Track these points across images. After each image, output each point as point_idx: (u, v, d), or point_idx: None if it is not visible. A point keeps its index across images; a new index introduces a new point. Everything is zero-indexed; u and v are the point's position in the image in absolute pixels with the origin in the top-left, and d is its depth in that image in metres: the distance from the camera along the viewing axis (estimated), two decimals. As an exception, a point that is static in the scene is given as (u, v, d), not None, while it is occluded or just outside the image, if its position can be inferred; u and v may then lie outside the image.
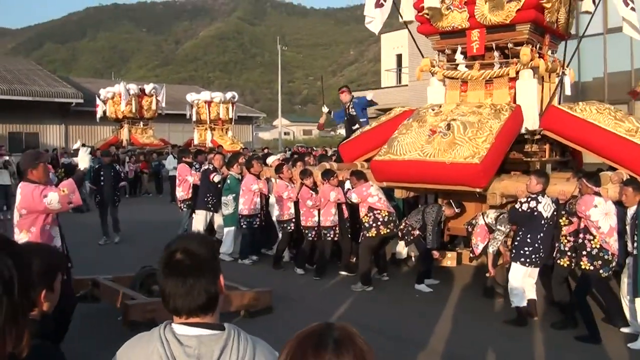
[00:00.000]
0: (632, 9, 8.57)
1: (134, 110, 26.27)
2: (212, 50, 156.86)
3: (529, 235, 6.75)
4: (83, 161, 5.63)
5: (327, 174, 8.96)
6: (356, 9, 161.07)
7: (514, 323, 6.75)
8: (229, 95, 27.54)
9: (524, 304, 6.86)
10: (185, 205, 11.27)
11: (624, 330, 6.45)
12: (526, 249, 6.75)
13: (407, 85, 27.03)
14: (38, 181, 5.10)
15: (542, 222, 6.73)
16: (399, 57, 32.06)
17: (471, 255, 8.26)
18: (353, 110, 11.36)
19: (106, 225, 11.77)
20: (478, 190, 7.39)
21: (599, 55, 19.39)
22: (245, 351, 1.72)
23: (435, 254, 8.41)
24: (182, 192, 11.26)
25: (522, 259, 6.78)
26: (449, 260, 9.08)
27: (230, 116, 27.22)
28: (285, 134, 69.85)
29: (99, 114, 26.83)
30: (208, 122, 26.56)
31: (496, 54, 8.43)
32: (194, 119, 26.90)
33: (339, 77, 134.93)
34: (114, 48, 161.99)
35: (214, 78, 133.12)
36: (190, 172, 11.24)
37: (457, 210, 8.55)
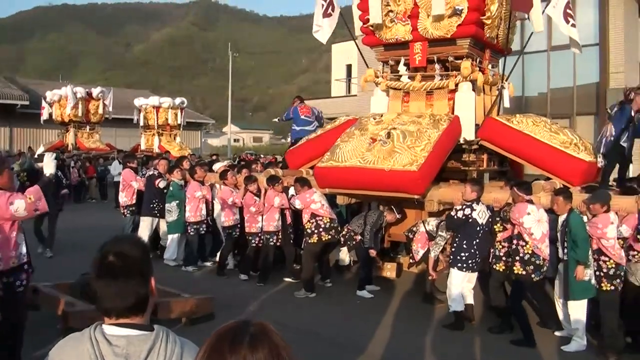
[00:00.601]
0: (573, 25, 8.93)
1: (80, 114, 25.71)
2: (163, 54, 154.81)
3: (465, 242, 6.99)
4: (48, 167, 5.46)
5: (272, 180, 9.03)
6: (309, 18, 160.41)
7: (452, 327, 6.94)
8: (177, 100, 27.27)
9: (462, 308, 7.07)
10: (128, 211, 11.06)
11: (558, 333, 6.73)
12: (463, 254, 6.99)
13: (356, 95, 27.34)
14: (3, 188, 4.94)
15: (478, 228, 6.98)
16: (349, 67, 32.38)
17: (411, 261, 8.45)
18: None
19: (40, 233, 10.99)
20: (416, 197, 7.58)
21: (543, 71, 20.08)
22: (173, 352, 1.76)
23: (373, 252, 8.53)
24: (125, 198, 10.94)
25: (459, 265, 7.01)
26: (389, 271, 9.19)
27: (179, 122, 26.95)
28: (235, 140, 69.48)
29: (44, 116, 26.15)
30: (156, 128, 26.22)
31: (437, 66, 8.69)
32: (141, 124, 26.49)
33: (291, 85, 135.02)
34: (63, 49, 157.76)
35: (164, 83, 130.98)
36: (135, 177, 10.99)
37: (398, 216, 8.74)
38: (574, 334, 6.35)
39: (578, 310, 6.31)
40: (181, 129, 27.76)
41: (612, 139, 8.10)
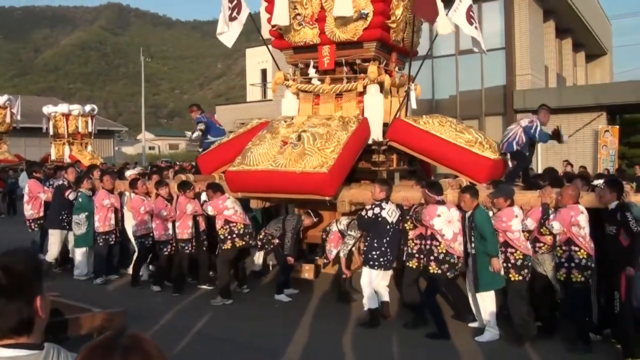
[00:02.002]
0: (476, 27, 9.24)
1: (-15, 124, 24.40)
2: (74, 60, 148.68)
3: (375, 240, 7.12)
4: None
5: (184, 186, 8.84)
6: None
7: (368, 325, 7.04)
8: (88, 107, 26.32)
9: (377, 306, 7.18)
10: (36, 225, 10.51)
11: (472, 325, 6.96)
12: (374, 253, 7.11)
13: (271, 100, 27.33)
14: None
15: (388, 227, 7.12)
16: (264, 71, 32.36)
17: (325, 261, 8.51)
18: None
19: None
20: (327, 198, 7.64)
21: (452, 75, 20.76)
22: None
23: (291, 260, 8.54)
24: (31, 211, 10.39)
25: (371, 263, 7.13)
26: (307, 272, 9.19)
27: (90, 130, 25.99)
28: (150, 148, 67.86)
29: (-53, 126, 24.63)
30: (66, 136, 25.18)
31: (345, 69, 8.80)
32: (51, 132, 25.38)
33: (207, 90, 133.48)
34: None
35: (75, 89, 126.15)
36: (42, 188, 10.46)
37: (315, 220, 8.79)
38: (486, 324, 6.57)
39: (488, 301, 6.56)
40: (92, 138, 26.77)
41: (521, 143, 8.40)
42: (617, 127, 20.09)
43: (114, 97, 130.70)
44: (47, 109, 25.66)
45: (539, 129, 8.30)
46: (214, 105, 35.47)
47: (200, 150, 11.66)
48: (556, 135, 8.76)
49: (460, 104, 20.72)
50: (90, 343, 1.37)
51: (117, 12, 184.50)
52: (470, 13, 9.11)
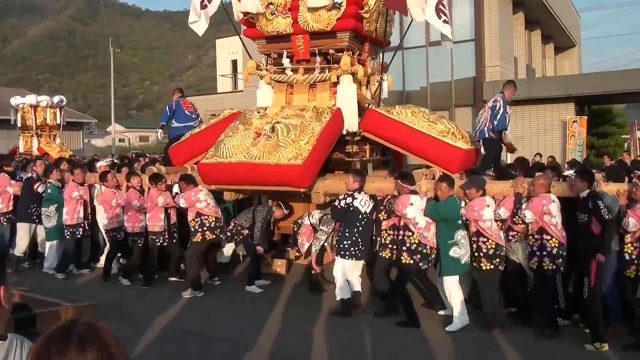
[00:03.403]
0: (445, 21, 9.25)
1: (-49, 117, 23.74)
2: (42, 50, 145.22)
3: (347, 230, 7.17)
4: None
5: (155, 179, 8.71)
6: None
7: (340, 315, 7.08)
8: (56, 99, 25.67)
9: (349, 296, 7.20)
10: (5, 219, 10.29)
11: (442, 312, 7.06)
12: (345, 242, 7.15)
13: (242, 91, 27.17)
14: None
15: (360, 216, 7.14)
16: (234, 62, 32.14)
17: (297, 254, 8.49)
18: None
19: None
20: (302, 190, 7.61)
21: (422, 66, 20.86)
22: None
23: (260, 249, 8.50)
24: (0, 205, 10.16)
25: (342, 252, 7.18)
26: (279, 267, 9.15)
27: (58, 122, 25.35)
28: (120, 140, 66.87)
29: None
30: (34, 129, 24.63)
31: (319, 59, 8.76)
32: (18, 124, 24.82)
33: (177, 81, 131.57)
34: None
35: (43, 80, 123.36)
36: (9, 182, 10.19)
37: (286, 212, 8.77)
38: (455, 312, 6.62)
39: (451, 286, 6.65)
40: (61, 130, 26.23)
41: (491, 128, 8.45)
42: (585, 117, 20.42)
43: (83, 88, 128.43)
44: (15, 101, 25.04)
45: (501, 111, 8.30)
46: (185, 97, 35.08)
47: (167, 136, 11.58)
48: (508, 145, 8.87)
49: (430, 95, 20.85)
50: (45, 332, 1.35)
51: (86, 2, 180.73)
52: (440, 6, 9.10)
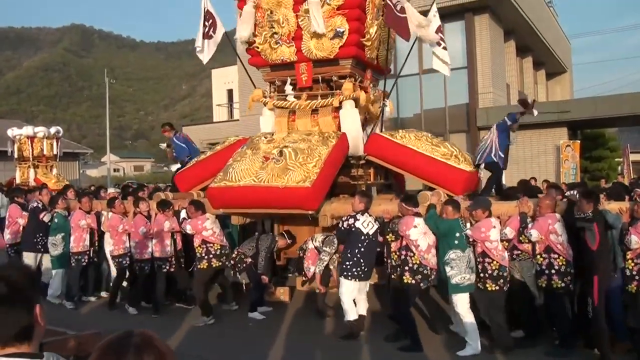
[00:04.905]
0: (444, 48, 9.51)
1: (-51, 149, 23.77)
2: (37, 82, 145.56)
3: (349, 251, 7.23)
4: None
5: (164, 205, 8.83)
6: (187, 44, 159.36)
7: (346, 337, 7.11)
8: (53, 130, 25.77)
9: (356, 317, 7.23)
10: (13, 251, 10.28)
11: (452, 327, 7.17)
12: (347, 263, 7.21)
13: (238, 120, 27.40)
14: None
15: (362, 237, 7.22)
16: (230, 92, 32.44)
17: (304, 279, 8.55)
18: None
19: None
20: (310, 212, 7.74)
21: (416, 93, 21.15)
22: None
23: (265, 279, 8.59)
24: (9, 236, 10.21)
25: (345, 273, 7.22)
26: (282, 295, 9.22)
27: (55, 152, 25.43)
28: (115, 170, 66.97)
29: None
30: (31, 159, 24.72)
31: (322, 85, 8.99)
32: (15, 155, 24.90)
33: (172, 111, 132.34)
34: None
35: (38, 112, 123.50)
36: (20, 214, 10.24)
37: (289, 242, 8.85)
38: (466, 337, 6.61)
39: (461, 308, 6.62)
40: (58, 160, 26.33)
41: (496, 153, 8.68)
42: (578, 142, 20.70)
43: (77, 119, 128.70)
44: (12, 132, 25.17)
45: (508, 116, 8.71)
46: (180, 126, 35.28)
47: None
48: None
49: (424, 121, 21.07)
50: (100, 344, 1.41)
51: (81, 34, 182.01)
52: (439, 34, 9.37)
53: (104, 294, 9.88)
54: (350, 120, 8.72)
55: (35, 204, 10.17)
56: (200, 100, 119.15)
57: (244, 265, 8.56)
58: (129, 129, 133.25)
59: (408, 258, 6.87)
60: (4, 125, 32.27)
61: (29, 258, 9.83)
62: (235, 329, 7.91)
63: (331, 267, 8.23)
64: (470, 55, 20.52)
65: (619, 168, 26.76)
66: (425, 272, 6.82)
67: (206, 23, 9.31)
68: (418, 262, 6.81)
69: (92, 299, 9.77)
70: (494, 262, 6.55)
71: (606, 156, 26.02)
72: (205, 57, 9.68)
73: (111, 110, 52.02)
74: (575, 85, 36.21)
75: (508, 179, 16.90)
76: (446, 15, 17.41)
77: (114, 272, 9.65)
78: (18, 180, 24.51)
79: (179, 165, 11.59)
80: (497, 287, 6.55)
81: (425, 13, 9.29)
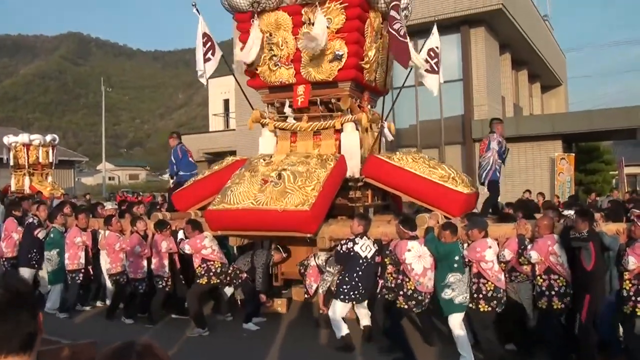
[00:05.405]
0: (437, 70, 9.59)
1: (-56, 156, 23.77)
2: (33, 89, 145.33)
3: (347, 274, 7.30)
4: None
5: (161, 226, 8.86)
6: (184, 53, 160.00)
7: (342, 349, 7.17)
8: (49, 137, 25.80)
9: (347, 332, 7.23)
10: (9, 264, 10.32)
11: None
12: (345, 286, 7.27)
13: (234, 130, 27.47)
14: None
15: (360, 261, 7.28)
16: (226, 101, 32.57)
17: (306, 295, 8.60)
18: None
19: None
20: (309, 235, 7.79)
21: (412, 105, 21.25)
22: None
23: (263, 297, 8.63)
24: (5, 249, 10.26)
25: (342, 296, 7.28)
26: (279, 306, 9.28)
27: (51, 160, 25.46)
28: (110, 178, 66.89)
29: None
30: (26, 167, 24.68)
31: (320, 107, 9.06)
32: (11, 163, 24.87)
33: (168, 120, 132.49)
34: None
35: (33, 119, 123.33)
36: (16, 228, 10.27)
37: (284, 255, 8.91)
38: (460, 352, 6.65)
39: (455, 326, 6.68)
40: (53, 168, 26.30)
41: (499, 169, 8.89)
42: (573, 155, 20.82)
43: (73, 127, 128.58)
44: (8, 139, 25.16)
45: (503, 147, 8.97)
46: (177, 136, 35.31)
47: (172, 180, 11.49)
48: None
49: (420, 133, 21.19)
50: (102, 352, 1.45)
51: (78, 42, 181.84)
52: (431, 53, 9.46)
53: (99, 303, 9.92)
54: (350, 142, 8.80)
55: (30, 220, 10.19)
56: (197, 110, 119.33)
57: (240, 280, 8.60)
58: (124, 137, 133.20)
59: (404, 283, 6.90)
60: (0, 132, 32.23)
61: (25, 273, 9.85)
62: (229, 338, 7.97)
63: (332, 288, 8.27)
64: (466, 68, 20.65)
65: (613, 181, 26.90)
66: (419, 297, 6.84)
67: (203, 48, 9.33)
68: (413, 287, 6.81)
69: (87, 308, 9.81)
70: (489, 283, 6.56)
71: (601, 169, 26.13)
72: (204, 80, 9.72)
73: (107, 118, 52.18)
74: (570, 98, 36.33)
75: (502, 192, 16.98)
76: (442, 28, 17.48)
77: (109, 284, 9.70)
78: (13, 188, 24.49)
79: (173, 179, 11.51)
80: (490, 309, 6.57)
81: (423, 25, 9.41)
